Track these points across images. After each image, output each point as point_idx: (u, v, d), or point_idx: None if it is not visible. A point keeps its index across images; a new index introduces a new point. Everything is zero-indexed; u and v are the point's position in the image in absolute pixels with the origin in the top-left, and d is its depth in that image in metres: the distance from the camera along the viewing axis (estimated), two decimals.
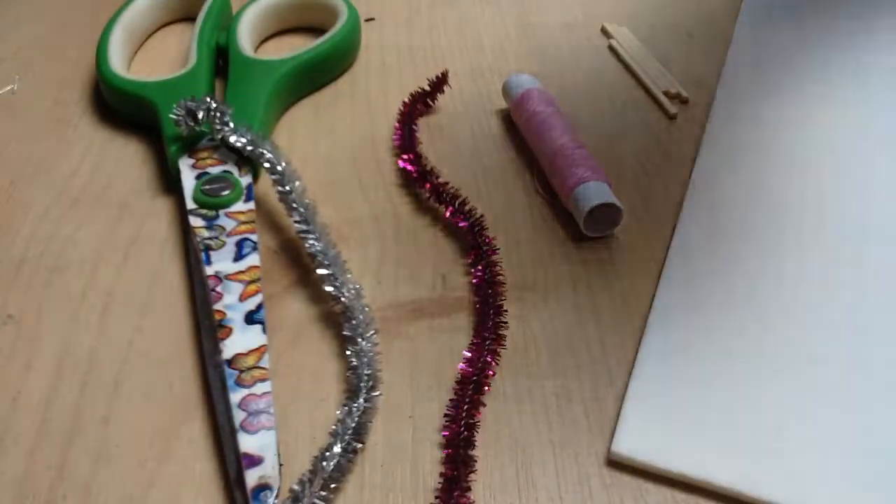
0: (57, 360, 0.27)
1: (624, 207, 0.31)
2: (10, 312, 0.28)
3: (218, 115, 0.32)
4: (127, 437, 0.25)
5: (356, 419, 0.25)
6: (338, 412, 0.25)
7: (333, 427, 0.25)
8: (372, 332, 0.27)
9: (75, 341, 0.27)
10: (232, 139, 0.32)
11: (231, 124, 0.32)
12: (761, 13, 0.45)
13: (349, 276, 0.29)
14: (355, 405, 0.25)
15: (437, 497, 0.24)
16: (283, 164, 0.31)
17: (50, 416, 0.25)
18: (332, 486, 0.24)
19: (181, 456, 0.25)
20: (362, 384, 0.26)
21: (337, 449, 0.24)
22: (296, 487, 0.23)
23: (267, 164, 0.31)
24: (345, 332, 0.27)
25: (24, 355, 0.27)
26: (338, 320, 0.28)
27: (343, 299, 0.28)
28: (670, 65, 0.41)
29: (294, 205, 0.30)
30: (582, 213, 0.31)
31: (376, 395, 0.26)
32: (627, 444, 0.25)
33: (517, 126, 0.36)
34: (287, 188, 0.30)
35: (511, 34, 0.44)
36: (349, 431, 0.24)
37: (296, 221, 0.30)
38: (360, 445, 0.25)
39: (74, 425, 0.25)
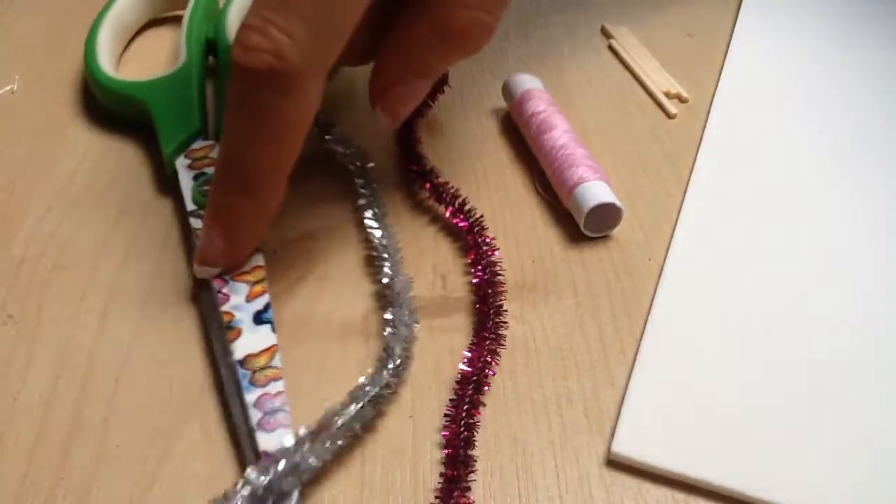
0: (57, 360, 0.27)
1: (624, 207, 0.31)
2: (10, 312, 0.28)
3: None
4: (127, 437, 0.25)
5: (377, 389, 0.25)
6: (362, 378, 0.25)
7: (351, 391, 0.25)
8: (414, 322, 0.28)
9: (75, 341, 0.27)
10: (339, 149, 0.33)
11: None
12: (761, 13, 0.45)
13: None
14: (380, 375, 0.26)
15: (437, 497, 0.24)
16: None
17: (50, 416, 0.25)
18: (334, 443, 0.24)
19: (181, 456, 0.25)
20: (390, 360, 0.26)
21: (352, 409, 0.24)
22: (301, 432, 0.24)
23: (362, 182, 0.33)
24: (386, 316, 0.28)
25: (24, 355, 0.27)
26: (336, 318, 0.28)
27: (395, 284, 0.29)
28: (670, 65, 0.41)
29: (374, 205, 0.32)
30: (582, 213, 0.31)
31: (402, 370, 0.26)
32: (627, 444, 0.25)
33: (517, 126, 0.36)
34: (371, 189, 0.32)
35: (511, 34, 0.44)
36: (367, 398, 0.25)
37: (369, 217, 0.31)
38: (371, 413, 0.25)
39: (74, 425, 0.25)
